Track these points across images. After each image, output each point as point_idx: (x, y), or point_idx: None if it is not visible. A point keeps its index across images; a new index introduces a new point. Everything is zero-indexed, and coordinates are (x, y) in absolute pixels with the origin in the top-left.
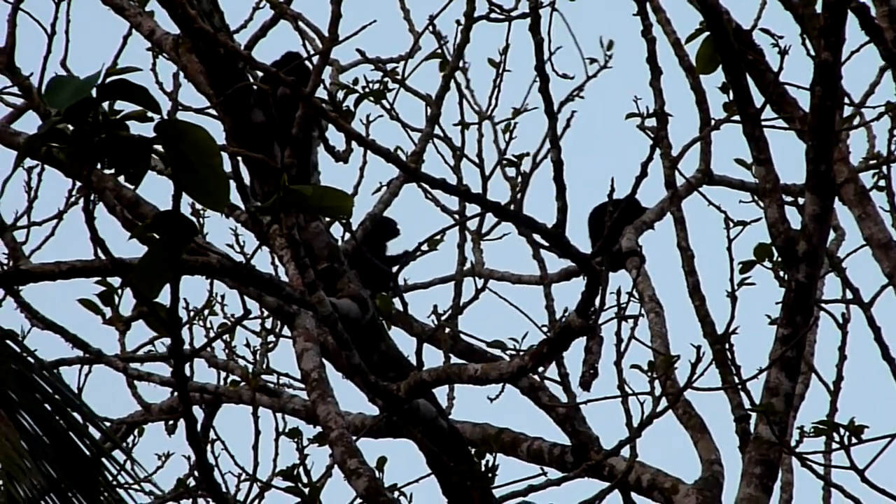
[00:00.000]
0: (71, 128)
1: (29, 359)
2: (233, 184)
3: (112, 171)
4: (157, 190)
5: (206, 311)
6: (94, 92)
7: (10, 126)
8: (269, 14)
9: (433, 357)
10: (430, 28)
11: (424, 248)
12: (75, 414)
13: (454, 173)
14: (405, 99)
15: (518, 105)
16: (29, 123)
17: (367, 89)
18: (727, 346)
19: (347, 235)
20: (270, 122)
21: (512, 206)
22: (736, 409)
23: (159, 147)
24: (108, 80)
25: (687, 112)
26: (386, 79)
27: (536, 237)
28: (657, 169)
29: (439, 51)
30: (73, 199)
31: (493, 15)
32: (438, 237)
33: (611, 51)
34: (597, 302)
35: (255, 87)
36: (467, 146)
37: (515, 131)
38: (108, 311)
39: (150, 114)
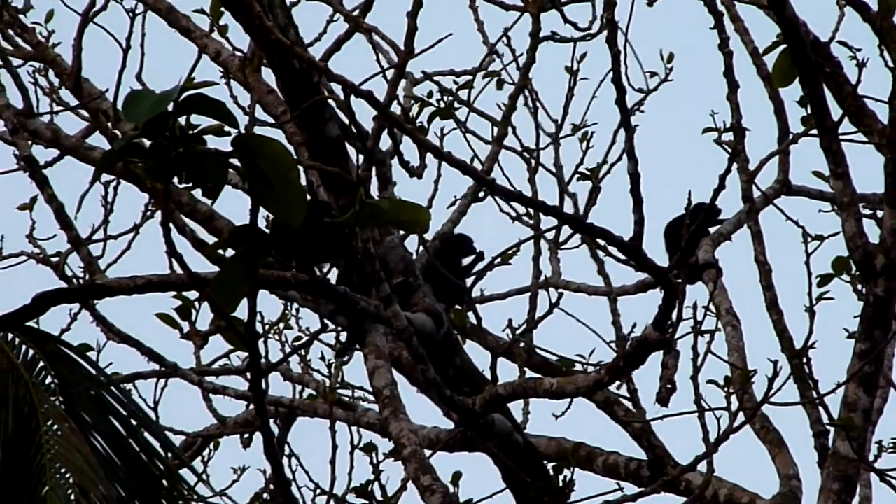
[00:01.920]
0: (148, 142)
1: (101, 378)
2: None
3: (189, 185)
4: (230, 203)
5: (281, 325)
6: (171, 106)
7: (86, 141)
8: (342, 28)
9: (508, 371)
10: (504, 41)
11: (498, 262)
12: (147, 433)
13: (529, 185)
14: (482, 108)
15: (589, 115)
16: (103, 139)
17: (440, 103)
18: (805, 360)
19: (421, 249)
20: (346, 136)
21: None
22: (814, 424)
23: (236, 161)
24: (186, 94)
25: (763, 123)
26: (458, 92)
27: (612, 250)
28: (734, 181)
29: (501, 69)
30: (149, 213)
31: (557, 35)
32: (514, 250)
33: (671, 63)
34: (674, 316)
35: (330, 100)
36: (543, 157)
37: (593, 141)
38: (185, 326)
39: (227, 128)
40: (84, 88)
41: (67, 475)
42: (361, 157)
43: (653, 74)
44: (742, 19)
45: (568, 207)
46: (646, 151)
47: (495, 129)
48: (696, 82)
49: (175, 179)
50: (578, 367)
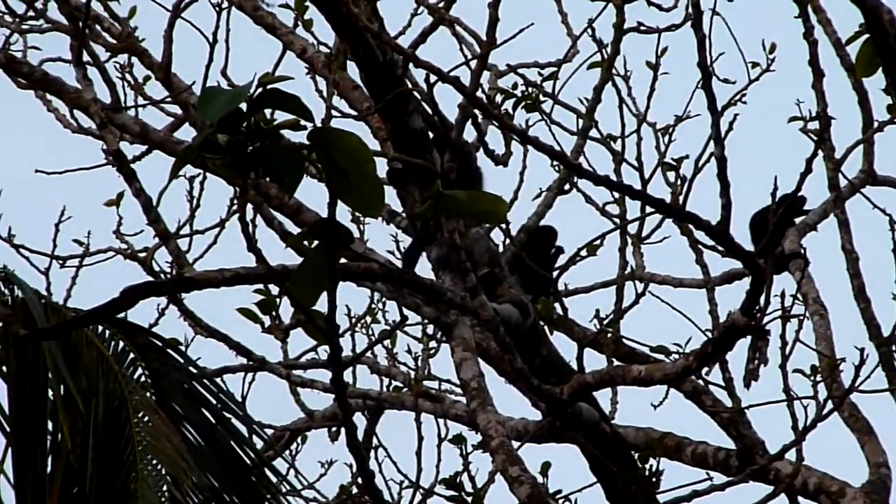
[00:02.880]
0: (225, 138)
1: (191, 369)
2: (392, 190)
3: (267, 180)
4: (320, 196)
5: (367, 318)
6: (246, 101)
7: (173, 135)
8: (427, 21)
9: (594, 362)
10: (588, 32)
11: (584, 253)
12: (238, 423)
13: (615, 177)
14: (564, 99)
15: (677, 110)
16: (190, 132)
17: (524, 94)
18: (893, 348)
19: (507, 242)
20: (430, 128)
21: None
22: None
23: (314, 155)
24: (261, 89)
25: (849, 113)
26: (543, 84)
27: (699, 236)
28: (820, 171)
29: (588, 58)
30: (234, 207)
31: (643, 26)
32: (599, 242)
33: (773, 54)
34: (762, 301)
35: (414, 92)
36: (626, 152)
37: (675, 135)
38: (266, 320)
39: (303, 122)
40: (173, 83)
41: (158, 465)
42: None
43: (755, 65)
44: (824, 10)
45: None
46: (738, 140)
47: (580, 121)
48: (780, 73)
49: (252, 174)
50: (670, 355)
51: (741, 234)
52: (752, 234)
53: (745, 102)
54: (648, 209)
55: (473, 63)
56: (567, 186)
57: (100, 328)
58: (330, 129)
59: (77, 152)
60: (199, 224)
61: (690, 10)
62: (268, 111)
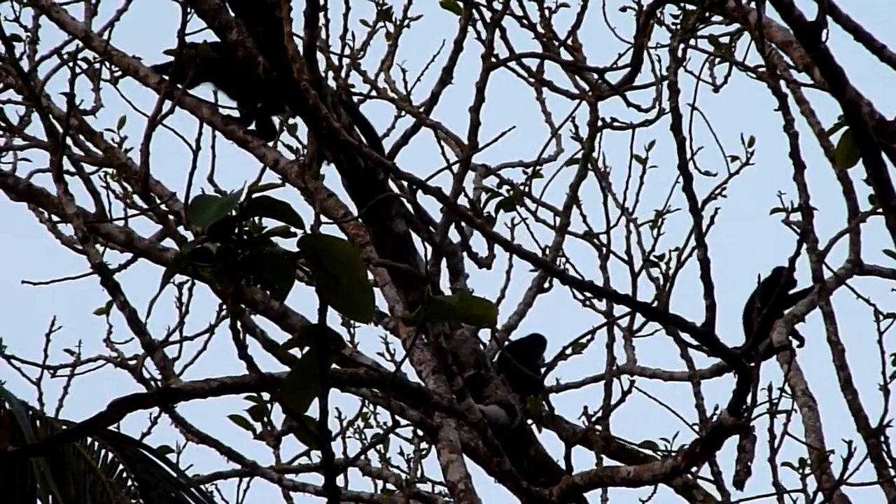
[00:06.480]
0: (216, 246)
1: (181, 479)
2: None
3: (258, 286)
4: (305, 299)
5: (359, 422)
6: (236, 209)
7: (158, 243)
8: (411, 121)
9: (583, 458)
10: (571, 129)
11: (570, 351)
12: None
13: (601, 273)
14: (549, 197)
15: (662, 200)
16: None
17: (510, 192)
18: (882, 439)
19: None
20: (413, 229)
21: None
22: (893, 503)
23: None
24: (251, 197)
25: (832, 201)
26: (528, 182)
27: (685, 336)
28: (804, 262)
29: (575, 154)
30: (223, 313)
31: (616, 122)
32: (587, 338)
33: (752, 147)
34: (749, 400)
35: (396, 197)
36: (613, 244)
37: (663, 228)
38: (258, 426)
39: (293, 229)
40: (155, 191)
41: None
42: (430, 252)
43: (734, 158)
44: (808, 101)
45: (646, 292)
46: (719, 233)
47: (558, 219)
48: (763, 160)
49: (243, 281)
50: (661, 449)
51: (732, 324)
52: (744, 323)
53: (724, 196)
54: None
55: (456, 167)
56: (546, 284)
57: (89, 440)
58: (321, 235)
59: (70, 261)
60: (189, 330)
61: (668, 110)
62: (258, 218)
